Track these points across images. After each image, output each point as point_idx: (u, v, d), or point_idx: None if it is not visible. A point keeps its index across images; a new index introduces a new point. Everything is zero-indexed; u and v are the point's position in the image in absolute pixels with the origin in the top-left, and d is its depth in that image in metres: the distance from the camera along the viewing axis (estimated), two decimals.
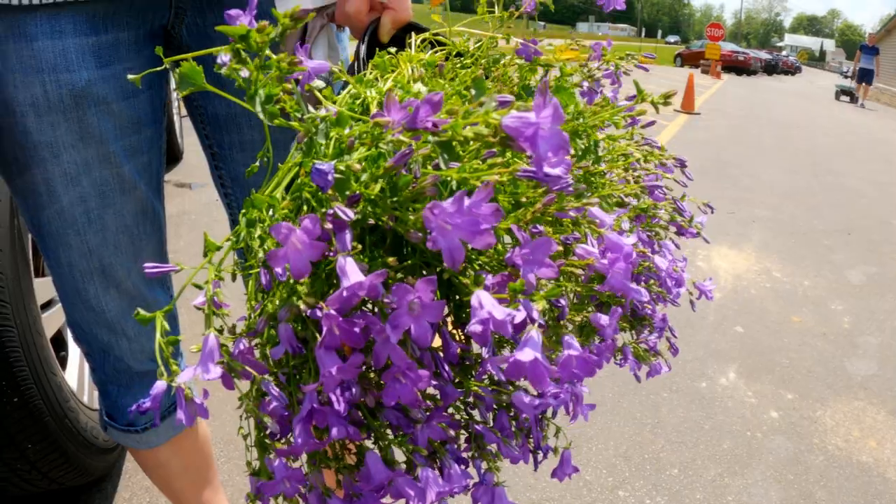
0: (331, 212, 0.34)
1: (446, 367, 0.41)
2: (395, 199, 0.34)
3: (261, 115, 0.38)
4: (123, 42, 0.78)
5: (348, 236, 0.34)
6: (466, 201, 0.31)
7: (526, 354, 0.34)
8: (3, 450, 1.36)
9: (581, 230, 0.45)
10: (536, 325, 0.35)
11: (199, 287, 0.41)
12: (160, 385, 0.39)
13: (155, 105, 0.86)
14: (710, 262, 3.64)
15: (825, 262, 3.91)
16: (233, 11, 0.43)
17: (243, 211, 0.42)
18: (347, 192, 0.35)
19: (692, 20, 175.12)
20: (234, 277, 0.45)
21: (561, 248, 0.43)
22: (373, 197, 0.35)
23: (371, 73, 0.54)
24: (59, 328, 1.68)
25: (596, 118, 0.59)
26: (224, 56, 0.39)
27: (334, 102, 0.44)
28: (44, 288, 1.54)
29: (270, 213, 0.40)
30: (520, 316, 0.35)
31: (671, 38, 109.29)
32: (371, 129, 0.36)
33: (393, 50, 0.58)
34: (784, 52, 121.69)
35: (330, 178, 0.34)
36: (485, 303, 0.34)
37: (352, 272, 0.33)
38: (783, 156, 7.60)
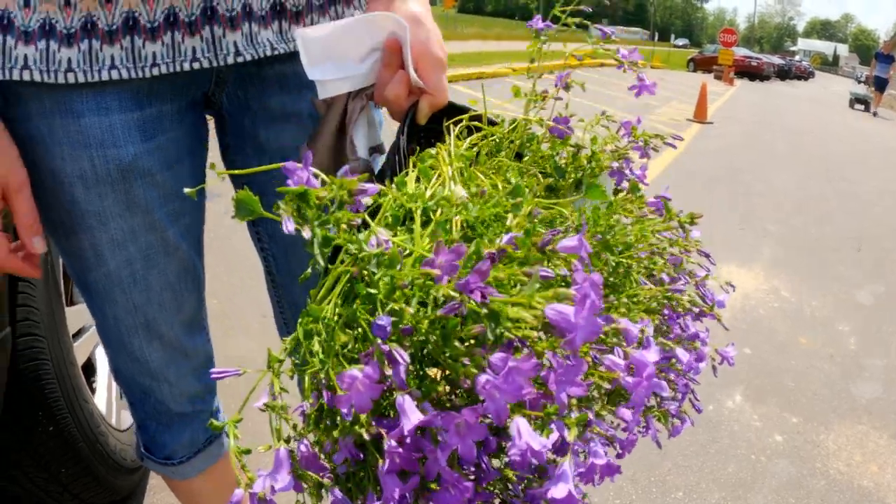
0: (387, 349, 0.40)
1: (485, 460, 0.47)
2: (446, 348, 0.40)
3: (318, 258, 0.44)
4: (167, 114, 0.83)
5: (403, 372, 0.40)
6: (511, 362, 0.37)
7: (560, 491, 0.39)
8: (38, 474, 1.43)
9: (609, 342, 0.50)
10: (570, 455, 0.41)
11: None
12: (238, 494, 0.45)
13: (196, 170, 0.91)
14: (720, 281, 3.68)
15: (834, 280, 3.95)
16: (290, 165, 0.47)
17: (301, 321, 0.48)
18: (401, 326, 0.41)
19: (705, 24, 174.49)
20: (291, 376, 0.51)
21: (588, 359, 0.48)
22: (423, 335, 0.40)
23: (411, 172, 0.59)
24: (89, 356, 1.74)
25: (623, 236, 0.63)
26: (289, 223, 0.43)
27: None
28: (75, 317, 1.60)
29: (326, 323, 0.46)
30: (553, 438, 0.41)
31: (679, 42, 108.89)
32: (422, 278, 0.41)
33: (433, 151, 0.63)
34: (797, 57, 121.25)
35: (388, 330, 0.39)
36: (523, 432, 0.39)
37: (411, 412, 0.38)
38: (796, 164, 7.67)
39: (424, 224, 0.51)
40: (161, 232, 0.87)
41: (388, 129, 0.83)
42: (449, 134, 0.71)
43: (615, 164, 0.77)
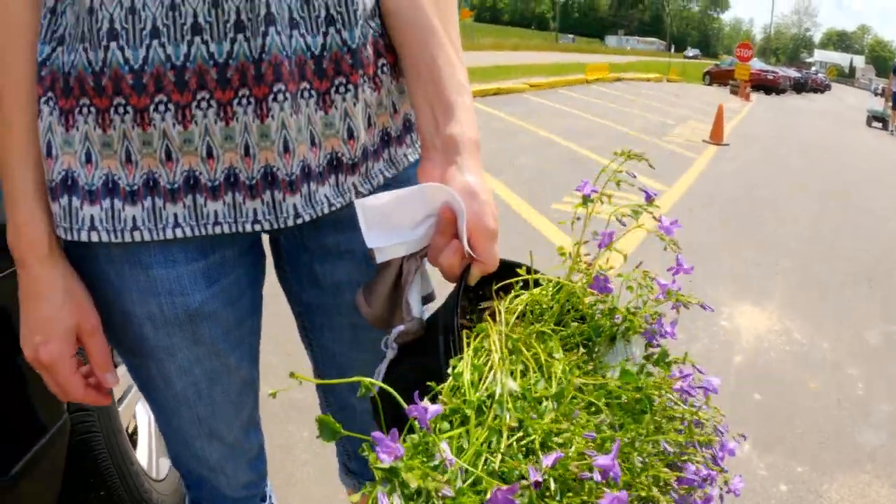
0: None
1: None
2: None
3: None
4: (229, 258, 0.89)
5: None
6: None
7: None
8: None
9: None
10: None
11: None
12: None
13: (255, 300, 0.98)
14: (734, 322, 3.77)
15: (845, 319, 4.02)
16: (377, 435, 0.53)
17: None
18: None
19: (721, 34, 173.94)
20: None
21: None
22: None
23: (464, 359, 0.68)
24: (132, 415, 1.85)
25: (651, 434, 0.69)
26: (383, 499, 0.52)
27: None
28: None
29: None
30: None
31: (690, 52, 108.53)
32: None
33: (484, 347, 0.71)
34: (813, 68, 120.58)
35: None
36: None
37: None
38: (812, 191, 7.76)
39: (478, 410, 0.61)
40: (224, 358, 0.94)
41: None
42: (498, 299, 0.79)
43: (648, 327, 0.83)
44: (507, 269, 0.82)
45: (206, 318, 0.88)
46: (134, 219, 0.78)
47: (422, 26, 0.82)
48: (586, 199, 0.88)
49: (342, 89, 0.81)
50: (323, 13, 0.78)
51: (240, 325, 0.95)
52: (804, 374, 3.29)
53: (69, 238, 0.79)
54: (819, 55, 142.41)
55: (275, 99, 0.75)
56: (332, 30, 0.78)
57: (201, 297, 0.86)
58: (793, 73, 47.73)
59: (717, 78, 34.92)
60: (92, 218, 0.78)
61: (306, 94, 0.78)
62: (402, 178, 0.92)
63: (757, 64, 33.58)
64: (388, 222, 0.77)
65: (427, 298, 0.86)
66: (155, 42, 0.72)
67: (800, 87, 45.87)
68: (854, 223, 6.58)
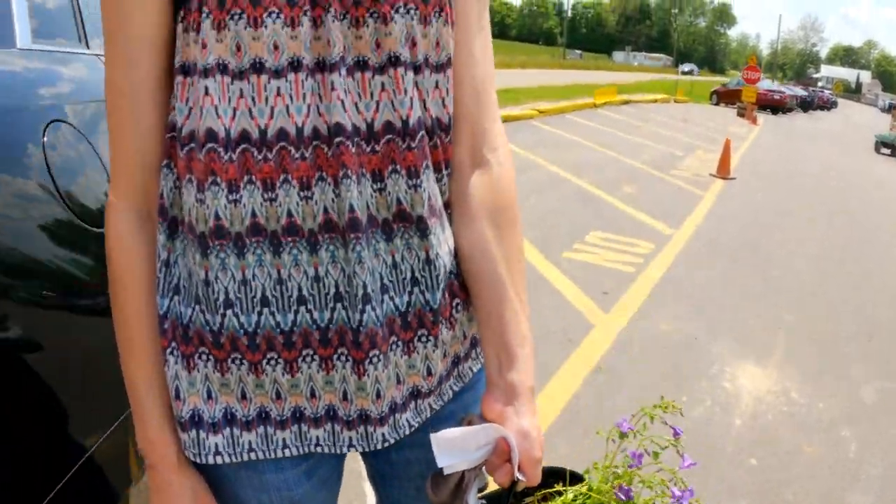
0: None
1: None
2: None
3: None
4: (326, 455, 1.00)
5: None
6: None
7: None
8: None
9: None
10: None
11: None
12: None
13: (340, 472, 1.14)
14: (736, 383, 4.01)
15: (843, 376, 4.26)
16: None
17: None
18: None
19: (728, 49, 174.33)
20: None
21: None
22: None
23: None
24: None
25: None
26: None
27: None
28: None
29: None
30: None
31: (686, 67, 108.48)
32: None
33: None
34: (820, 84, 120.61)
35: None
36: None
37: None
38: (817, 236, 7.95)
39: None
40: None
41: None
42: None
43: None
44: (549, 475, 1.07)
45: (305, 501, 1.05)
46: (250, 443, 0.91)
47: (492, 279, 0.92)
48: (623, 435, 1.04)
49: (423, 339, 0.93)
50: (409, 275, 0.89)
51: (330, 495, 1.12)
52: (800, 437, 3.52)
53: (197, 462, 0.92)
54: (826, 70, 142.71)
55: (370, 362, 0.87)
56: (416, 290, 0.90)
57: (302, 490, 1.00)
58: (799, 91, 48.01)
59: (725, 98, 35.15)
60: (216, 445, 0.90)
61: (394, 346, 0.90)
62: (468, 387, 1.05)
63: (764, 84, 33.79)
64: (456, 448, 1.00)
65: (482, 489, 1.11)
66: (265, 310, 0.84)
67: (806, 105, 46.13)
68: (860, 274, 6.76)
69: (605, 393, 3.68)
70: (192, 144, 0.83)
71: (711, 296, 5.37)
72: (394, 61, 0.83)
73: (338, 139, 0.81)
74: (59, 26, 1.75)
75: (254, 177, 0.81)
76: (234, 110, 0.80)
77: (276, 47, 0.79)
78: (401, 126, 0.84)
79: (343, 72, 0.82)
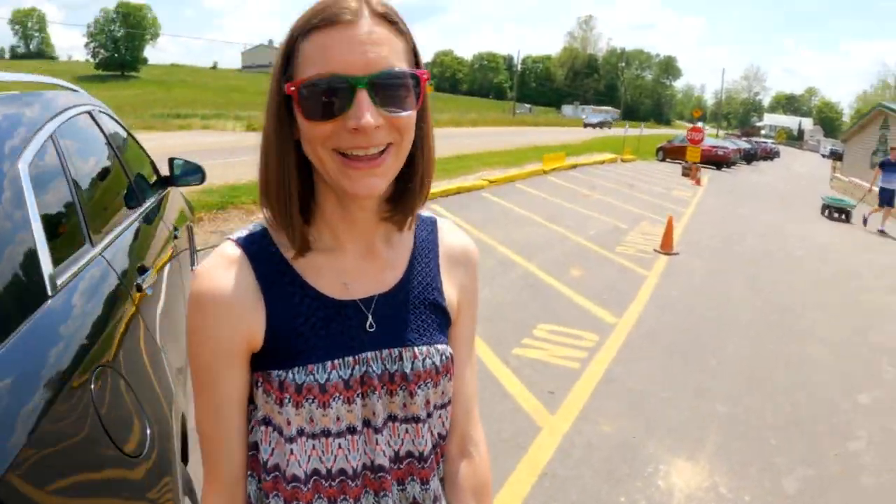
0: None
1: None
2: None
3: None
4: None
5: None
6: None
7: None
8: None
9: None
10: None
11: None
12: None
13: None
14: (669, 480, 4.39)
15: (768, 468, 4.65)
16: None
17: None
18: None
19: (674, 101, 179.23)
20: None
21: None
22: None
23: None
24: None
25: None
26: None
27: None
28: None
29: None
30: None
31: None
32: None
33: None
34: (763, 132, 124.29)
35: None
36: None
37: None
38: (755, 319, 8.30)
39: None
40: None
41: None
42: None
43: None
44: None
45: None
46: None
47: None
48: None
49: None
50: None
51: None
52: None
53: None
54: (768, 119, 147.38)
55: None
56: None
57: None
58: (742, 144, 49.62)
59: (670, 154, 36.28)
60: None
61: None
62: None
63: (708, 142, 35.01)
64: None
65: None
66: None
67: (750, 157, 47.78)
68: (797, 357, 7.11)
69: (550, 500, 4.03)
70: (277, 474, 1.15)
71: (650, 390, 5.72)
72: (415, 419, 1.20)
73: (380, 473, 1.17)
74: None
75: (322, 495, 1.15)
76: (309, 458, 1.14)
77: (338, 419, 1.13)
78: (418, 454, 1.21)
79: (385, 432, 1.17)
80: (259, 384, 1.14)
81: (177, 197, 4.84)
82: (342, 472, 1.15)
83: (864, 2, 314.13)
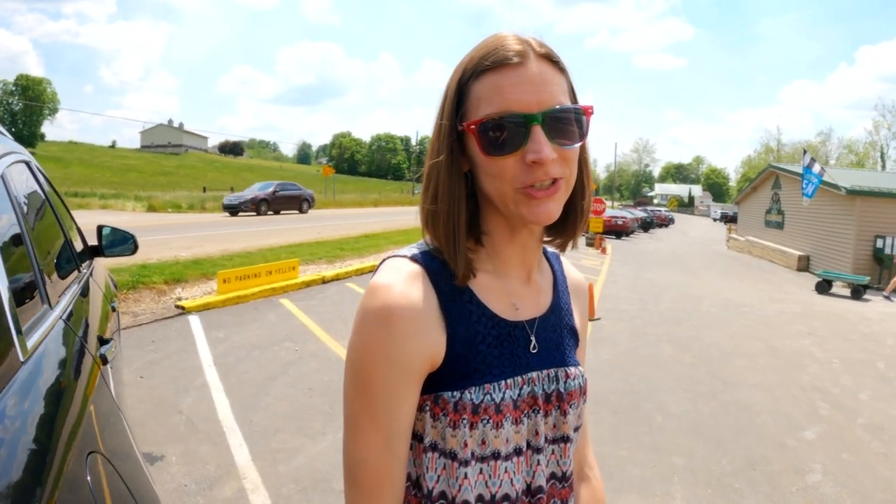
0: None
1: None
2: None
3: None
4: None
5: None
6: None
7: None
8: None
9: None
10: None
11: None
12: None
13: None
14: None
15: None
16: None
17: None
18: None
19: None
20: None
21: None
22: None
23: None
24: None
25: None
26: None
27: None
28: None
29: None
30: None
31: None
32: None
33: None
34: (655, 201, 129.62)
35: None
36: None
37: None
38: (682, 372, 8.42)
39: None
40: None
41: None
42: None
43: None
44: None
45: None
46: None
47: None
48: None
49: None
50: None
51: None
52: None
53: None
54: (659, 188, 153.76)
55: None
56: None
57: None
58: (639, 213, 51.58)
59: None
60: None
61: None
62: None
63: (609, 212, 36.14)
64: None
65: None
66: None
67: (647, 225, 49.63)
68: (733, 402, 7.23)
69: None
70: (443, 502, 1.12)
71: (606, 451, 5.59)
72: (565, 439, 1.22)
73: (538, 496, 1.18)
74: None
75: None
76: (476, 482, 1.11)
77: (507, 440, 1.12)
78: (561, 475, 1.23)
79: (546, 452, 1.19)
80: (426, 408, 1.12)
81: (102, 270, 4.49)
82: (506, 497, 1.15)
83: (743, 75, 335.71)
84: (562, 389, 1.21)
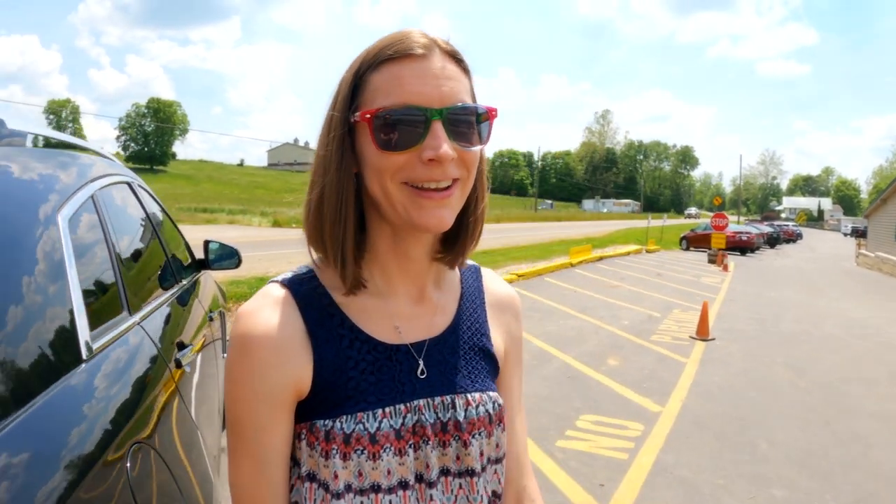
0: None
1: None
2: None
3: None
4: None
5: None
6: None
7: None
8: None
9: None
10: None
11: None
12: None
13: None
14: None
15: None
16: None
17: None
18: None
19: (693, 190, 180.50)
20: None
21: None
22: None
23: None
24: None
25: None
26: None
27: None
28: None
29: None
30: None
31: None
32: None
33: None
34: (783, 215, 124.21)
35: None
36: None
37: None
38: (795, 397, 8.01)
39: None
40: None
41: None
42: None
43: None
44: None
45: None
46: None
47: None
48: None
49: None
50: None
51: None
52: None
53: None
54: (787, 202, 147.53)
55: None
56: None
57: None
58: (765, 228, 49.58)
59: (694, 242, 36.22)
60: None
61: None
62: None
63: (731, 227, 34.91)
64: None
65: None
66: None
67: (773, 241, 47.59)
68: (847, 434, 6.82)
69: None
70: None
71: (704, 479, 5.38)
72: (470, 473, 1.10)
73: None
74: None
75: None
76: None
77: (388, 472, 1.04)
78: None
79: (439, 487, 1.08)
80: (302, 436, 1.06)
81: (210, 282, 4.74)
82: None
83: (870, 78, 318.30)
84: (460, 418, 1.10)
